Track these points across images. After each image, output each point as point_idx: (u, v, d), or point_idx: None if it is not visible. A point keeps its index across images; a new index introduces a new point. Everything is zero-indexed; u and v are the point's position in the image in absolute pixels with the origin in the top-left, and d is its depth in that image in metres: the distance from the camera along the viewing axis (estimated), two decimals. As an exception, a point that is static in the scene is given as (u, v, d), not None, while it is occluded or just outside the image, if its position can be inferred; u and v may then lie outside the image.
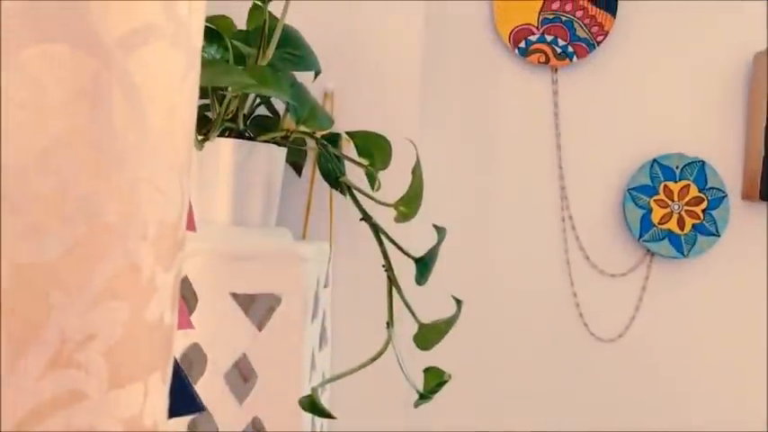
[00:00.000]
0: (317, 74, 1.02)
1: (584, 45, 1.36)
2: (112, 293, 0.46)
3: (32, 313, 0.43)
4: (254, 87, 0.79)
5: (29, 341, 0.43)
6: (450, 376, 0.91)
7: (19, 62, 0.43)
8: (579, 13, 1.35)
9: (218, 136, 0.93)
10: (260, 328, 0.93)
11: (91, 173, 0.45)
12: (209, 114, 0.93)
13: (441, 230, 0.93)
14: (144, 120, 0.48)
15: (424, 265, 0.90)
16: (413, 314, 0.89)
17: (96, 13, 0.44)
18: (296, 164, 1.16)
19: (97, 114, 0.45)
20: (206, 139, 0.88)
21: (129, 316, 0.47)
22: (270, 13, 0.92)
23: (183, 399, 0.63)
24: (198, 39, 0.55)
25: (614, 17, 1.35)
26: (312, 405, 0.85)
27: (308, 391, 0.89)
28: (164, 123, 0.50)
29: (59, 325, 0.44)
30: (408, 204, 0.87)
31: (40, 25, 0.43)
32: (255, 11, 0.94)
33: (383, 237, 0.91)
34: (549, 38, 1.36)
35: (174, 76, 0.51)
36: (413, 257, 0.89)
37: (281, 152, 1.01)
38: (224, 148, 0.93)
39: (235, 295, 0.91)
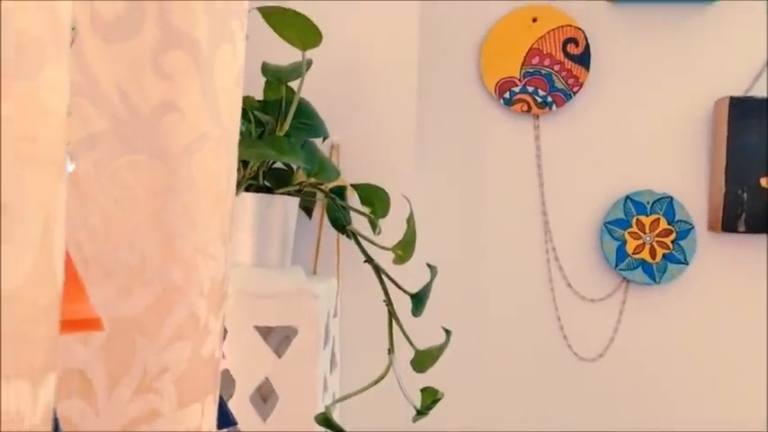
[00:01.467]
0: (325, 138, 1.18)
1: (561, 95, 1.52)
2: (179, 336, 0.62)
3: (124, 354, 0.59)
4: (274, 156, 0.95)
5: (122, 375, 0.59)
6: (443, 394, 1.06)
7: (114, 169, 0.58)
8: (557, 67, 1.52)
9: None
10: (279, 355, 1.08)
11: (163, 247, 0.61)
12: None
13: (433, 269, 1.08)
14: (200, 204, 0.64)
15: (419, 300, 1.05)
16: (410, 342, 1.05)
17: (166, 130, 0.60)
18: (307, 208, 1.32)
19: (168, 205, 0.61)
20: (232, 195, 1.04)
21: (191, 353, 0.63)
22: (287, 86, 1.09)
23: (220, 416, 0.78)
24: (235, 136, 0.71)
25: (588, 70, 1.51)
26: (326, 421, 1.00)
27: (321, 410, 1.04)
28: (213, 205, 0.66)
29: (143, 362, 0.60)
30: (404, 249, 1.02)
31: (128, 142, 0.59)
32: (271, 84, 1.10)
33: (383, 276, 1.06)
34: (530, 89, 1.52)
35: (221, 168, 0.67)
36: (409, 293, 1.05)
37: (295, 202, 1.17)
38: (247, 201, 1.09)
39: (258, 328, 1.07)
